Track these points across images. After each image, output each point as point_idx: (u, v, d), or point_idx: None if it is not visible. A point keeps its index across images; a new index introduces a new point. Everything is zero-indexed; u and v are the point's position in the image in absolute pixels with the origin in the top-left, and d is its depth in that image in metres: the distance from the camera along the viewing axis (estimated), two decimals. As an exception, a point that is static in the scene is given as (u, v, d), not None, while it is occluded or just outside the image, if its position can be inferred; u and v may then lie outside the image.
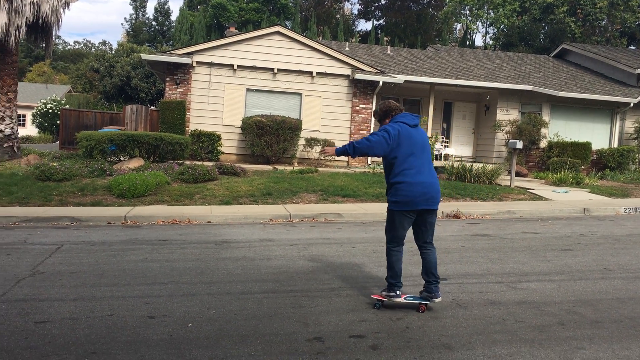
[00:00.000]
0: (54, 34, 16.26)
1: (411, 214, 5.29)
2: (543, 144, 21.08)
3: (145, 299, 5.47)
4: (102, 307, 5.20)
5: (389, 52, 26.02)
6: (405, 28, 47.05)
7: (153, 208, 11.49)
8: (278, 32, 19.20)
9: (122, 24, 76.53)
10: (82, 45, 76.04)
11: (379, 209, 11.63)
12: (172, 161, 15.45)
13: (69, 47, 74.48)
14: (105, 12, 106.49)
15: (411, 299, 5.39)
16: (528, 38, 41.89)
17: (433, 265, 5.33)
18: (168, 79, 18.73)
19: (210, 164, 15.78)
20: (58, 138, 28.11)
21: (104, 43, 74.91)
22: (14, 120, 15.69)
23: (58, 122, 32.25)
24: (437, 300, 5.28)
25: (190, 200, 12.26)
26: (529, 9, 42.47)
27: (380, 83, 19.19)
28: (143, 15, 58.58)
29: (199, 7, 49.17)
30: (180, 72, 18.65)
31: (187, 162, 15.73)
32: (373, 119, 19.69)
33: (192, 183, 13.43)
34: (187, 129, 18.39)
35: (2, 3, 14.28)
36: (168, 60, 18.44)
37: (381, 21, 50.67)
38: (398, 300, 5.36)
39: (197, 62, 18.72)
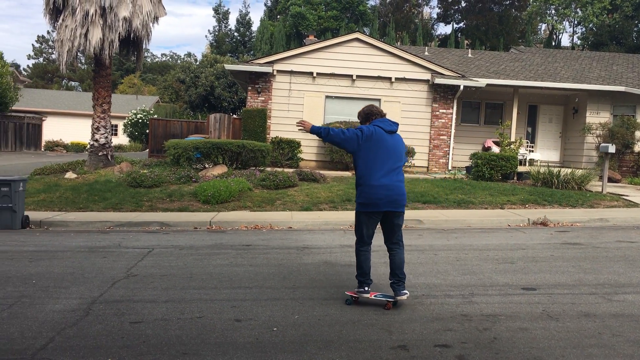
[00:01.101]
0: (144, 48, 17.08)
1: (376, 215, 5.50)
2: (638, 147, 19.88)
3: (232, 302, 5.62)
4: (192, 309, 5.39)
5: (469, 55, 25.46)
6: (487, 30, 45.87)
7: (236, 214, 11.80)
8: (357, 39, 19.25)
9: (205, 36, 79.35)
10: (168, 57, 79.49)
11: (461, 216, 11.38)
12: (253, 168, 15.82)
13: (156, 59, 78.05)
14: (189, 25, 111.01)
15: (381, 296, 5.58)
16: (619, 37, 39.73)
17: (397, 266, 5.55)
18: (250, 88, 19.21)
19: (290, 170, 16.02)
20: (147, 146, 29.46)
21: (188, 55, 77.97)
22: (108, 130, 16.60)
23: (147, 131, 33.84)
24: (399, 298, 5.44)
25: (271, 206, 12.49)
26: (620, 6, 40.30)
27: (461, 87, 18.80)
28: (225, 26, 60.48)
29: (278, 17, 50.17)
30: (262, 81, 19.08)
31: (268, 169, 16.05)
32: (454, 124, 19.32)
33: (273, 189, 13.69)
34: (268, 136, 18.77)
35: (97, 20, 15.18)
36: (250, 69, 18.91)
37: (461, 24, 49.66)
38: (367, 296, 5.57)
39: (278, 71, 19.08)
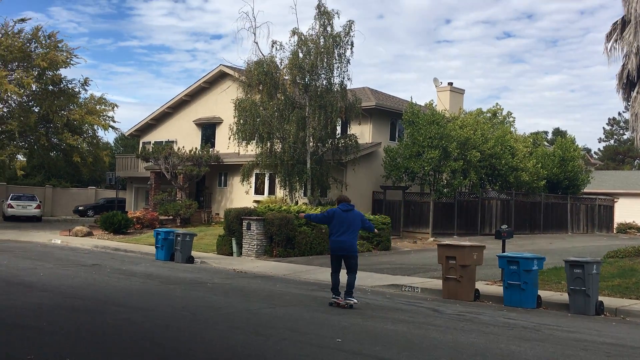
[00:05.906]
0: None
1: (336, 257, 9.90)
2: None
3: None
4: None
5: None
6: None
7: None
8: None
9: None
10: None
11: None
12: None
13: None
14: None
15: (343, 302, 9.55)
16: None
17: (347, 284, 9.57)
18: None
19: None
20: None
21: None
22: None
23: None
24: (344, 302, 9.49)
25: None
26: None
27: None
28: None
29: None
30: None
31: None
32: None
33: None
34: None
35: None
36: None
37: None
38: (335, 300, 9.63)
39: None
